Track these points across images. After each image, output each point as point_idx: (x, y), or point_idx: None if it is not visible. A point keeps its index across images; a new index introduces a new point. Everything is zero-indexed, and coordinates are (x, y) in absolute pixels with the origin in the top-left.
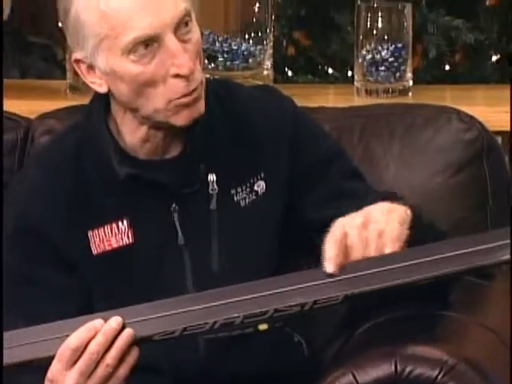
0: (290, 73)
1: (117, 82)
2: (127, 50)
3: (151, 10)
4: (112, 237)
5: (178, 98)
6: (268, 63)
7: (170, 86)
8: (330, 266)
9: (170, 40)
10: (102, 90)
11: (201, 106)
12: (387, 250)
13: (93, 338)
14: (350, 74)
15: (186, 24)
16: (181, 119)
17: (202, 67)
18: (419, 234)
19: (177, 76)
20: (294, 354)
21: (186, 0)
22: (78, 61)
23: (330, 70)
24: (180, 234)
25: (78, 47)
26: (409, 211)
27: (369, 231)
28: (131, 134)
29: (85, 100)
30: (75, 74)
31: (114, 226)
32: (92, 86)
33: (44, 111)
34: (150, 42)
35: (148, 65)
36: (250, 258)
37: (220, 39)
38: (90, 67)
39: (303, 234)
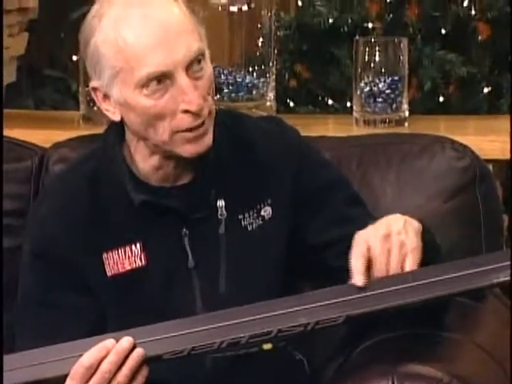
0: (291, 104)
1: (129, 112)
2: (140, 85)
3: (165, 48)
4: (125, 259)
5: (184, 132)
6: (271, 95)
7: (178, 119)
8: (359, 279)
9: (182, 78)
10: (116, 118)
11: (207, 140)
12: (408, 261)
13: (105, 357)
14: (348, 105)
15: (199, 62)
16: (187, 152)
17: (214, 99)
18: (428, 246)
19: (186, 112)
20: (295, 372)
21: (200, 40)
22: (94, 88)
23: (330, 101)
24: (190, 257)
25: (95, 76)
26: (420, 223)
27: (391, 243)
28: (144, 161)
29: (97, 130)
30: (88, 105)
31: (128, 249)
32: (106, 113)
33: (58, 140)
34: (162, 78)
35: (160, 99)
36: (256, 281)
37: (225, 72)
38: (106, 96)
39: (307, 258)
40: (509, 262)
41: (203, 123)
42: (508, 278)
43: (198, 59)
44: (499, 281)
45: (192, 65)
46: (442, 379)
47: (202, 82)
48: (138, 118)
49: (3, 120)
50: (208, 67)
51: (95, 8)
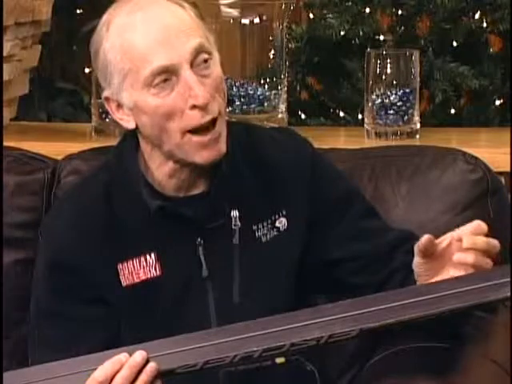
0: (303, 116)
1: (140, 115)
2: (147, 84)
3: (167, 44)
4: (140, 269)
5: (196, 134)
6: (282, 107)
7: (187, 117)
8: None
9: (187, 73)
10: (130, 125)
11: (221, 146)
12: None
13: (118, 371)
14: (360, 117)
15: (206, 61)
16: (202, 158)
17: (225, 102)
18: None
19: (193, 107)
20: (306, 383)
21: (203, 37)
22: (107, 99)
23: (342, 114)
24: (204, 266)
25: (106, 85)
26: None
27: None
28: (158, 169)
29: (109, 142)
30: (100, 117)
31: (143, 259)
32: (121, 122)
33: (70, 152)
34: (168, 76)
35: (167, 97)
36: (269, 292)
37: (237, 84)
38: (119, 105)
39: (322, 272)
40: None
41: (214, 125)
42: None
43: (202, 56)
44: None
45: (196, 60)
46: None
47: (209, 80)
48: (149, 120)
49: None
50: (216, 69)
51: (102, 19)
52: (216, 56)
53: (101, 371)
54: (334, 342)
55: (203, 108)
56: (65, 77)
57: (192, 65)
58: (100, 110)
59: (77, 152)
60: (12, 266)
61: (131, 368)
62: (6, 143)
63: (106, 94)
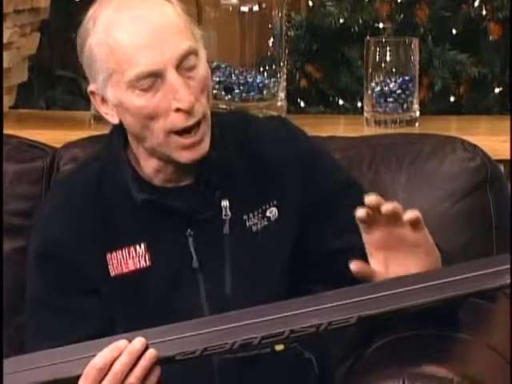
0: (302, 104)
1: (124, 114)
2: (132, 85)
3: (155, 48)
4: (130, 259)
5: (179, 135)
6: (282, 95)
7: (171, 119)
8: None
9: (172, 76)
10: (114, 120)
11: (204, 147)
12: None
13: (118, 357)
14: (359, 105)
15: (191, 61)
16: (183, 158)
17: (210, 103)
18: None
19: (178, 110)
20: (304, 371)
21: (193, 40)
22: (92, 93)
23: (341, 102)
24: (194, 257)
25: (92, 80)
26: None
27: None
28: (145, 163)
29: (107, 130)
30: None
31: (132, 249)
32: (106, 116)
33: (69, 140)
34: (153, 78)
35: (152, 98)
36: (262, 282)
37: (236, 72)
38: (103, 99)
39: (318, 263)
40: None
41: (198, 126)
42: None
43: (189, 58)
44: (506, 282)
45: (182, 63)
46: (453, 380)
47: (195, 82)
48: (133, 119)
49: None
50: (202, 68)
51: (90, 12)
52: (202, 54)
53: (100, 358)
54: (333, 329)
55: (188, 111)
56: (64, 64)
57: (178, 67)
58: None
59: (76, 140)
60: (10, 254)
61: (130, 354)
62: (4, 131)
63: (91, 87)
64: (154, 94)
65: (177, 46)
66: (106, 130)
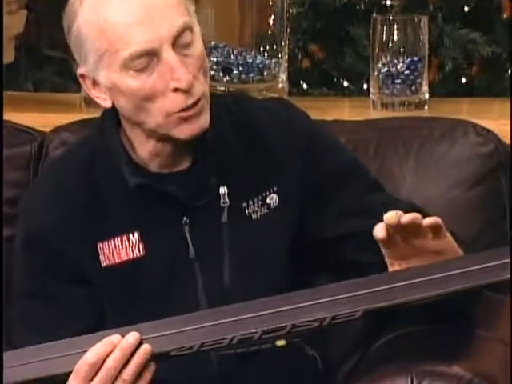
0: (304, 86)
1: (118, 96)
2: (126, 65)
3: (148, 25)
4: (122, 249)
5: (178, 112)
6: (283, 76)
7: (170, 99)
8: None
9: (168, 54)
10: (107, 104)
11: (204, 121)
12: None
13: (110, 353)
14: (365, 87)
15: (187, 38)
16: (182, 133)
17: (208, 81)
18: None
19: (176, 90)
20: (307, 369)
21: (186, 14)
22: (82, 75)
23: (346, 83)
24: (191, 247)
25: (81, 62)
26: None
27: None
28: (141, 147)
29: (99, 113)
30: None
31: (125, 238)
32: (97, 100)
33: (58, 124)
34: (148, 57)
35: (147, 79)
36: (262, 273)
37: (235, 52)
38: (95, 82)
39: (321, 251)
40: None
41: (197, 103)
42: None
43: (184, 35)
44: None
45: (178, 40)
46: (464, 377)
47: (192, 59)
48: (128, 101)
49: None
50: (198, 46)
51: None
52: (197, 30)
53: (92, 353)
54: (338, 323)
55: (187, 91)
56: (53, 44)
57: (174, 45)
58: None
59: (65, 124)
60: None
61: (124, 350)
62: None
63: (80, 70)
64: (150, 75)
65: (171, 22)
66: (97, 114)
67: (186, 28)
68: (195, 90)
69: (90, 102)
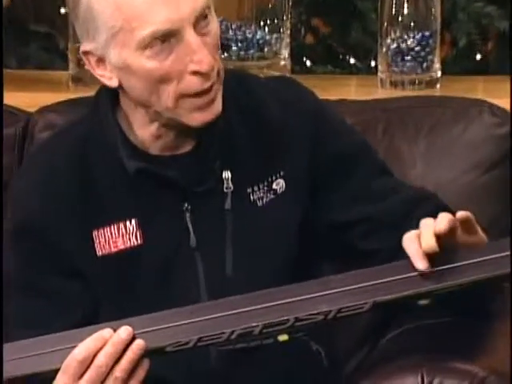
0: (308, 63)
1: (129, 77)
2: (143, 45)
3: (170, 3)
4: (119, 237)
5: (192, 97)
6: (285, 52)
7: (186, 82)
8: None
9: (190, 35)
10: (112, 83)
11: (217, 107)
12: None
13: (101, 348)
14: (373, 64)
15: (205, 16)
16: (195, 121)
17: (220, 57)
18: None
19: (195, 73)
20: (311, 365)
21: None
22: (87, 52)
23: (352, 60)
24: (192, 235)
25: (88, 38)
26: None
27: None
28: (142, 129)
29: (89, 92)
30: (78, 64)
31: (122, 225)
32: (101, 79)
33: (44, 104)
34: (167, 37)
35: (164, 61)
36: (267, 263)
37: (233, 27)
38: (101, 60)
39: (328, 238)
40: None
41: (211, 87)
42: None
43: (204, 14)
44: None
45: (199, 20)
46: (478, 374)
47: (210, 38)
48: (140, 82)
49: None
50: (214, 21)
51: None
52: (212, 6)
53: (81, 349)
54: (344, 316)
55: (205, 74)
56: (38, 18)
57: (195, 25)
58: (78, 56)
59: (52, 104)
60: None
61: (115, 345)
62: None
63: (86, 47)
64: (167, 56)
65: (194, 1)
66: (86, 93)
67: (207, 7)
68: (213, 72)
69: (78, 80)
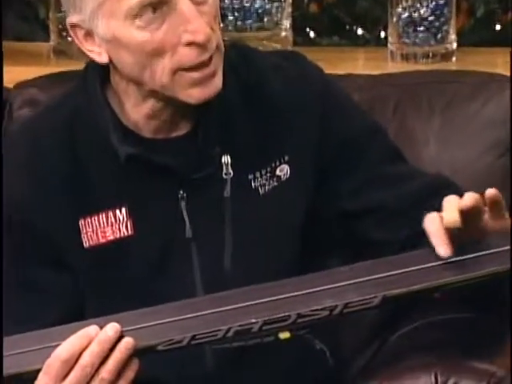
0: (311, 34)
1: (119, 50)
2: (132, 14)
3: None
4: (108, 227)
5: (189, 71)
6: (286, 23)
7: (181, 55)
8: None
9: (183, 3)
10: (102, 59)
11: (217, 82)
12: None
13: (86, 347)
14: (382, 35)
15: None
16: (193, 97)
17: (220, 28)
18: None
19: (190, 44)
20: (315, 364)
21: None
22: (73, 25)
23: (360, 31)
24: (188, 225)
25: (74, 10)
26: None
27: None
28: (135, 108)
29: (72, 65)
30: (60, 35)
31: (111, 214)
32: (90, 54)
33: (24, 79)
34: (158, 6)
35: (156, 31)
36: (269, 255)
37: None
38: (88, 33)
39: (336, 228)
40: None
41: (210, 59)
42: None
43: None
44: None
45: None
46: (496, 374)
47: (207, 7)
48: (131, 56)
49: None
50: None
51: None
52: None
53: (65, 348)
54: (351, 312)
55: (202, 45)
56: None
57: None
58: (60, 27)
59: (32, 78)
60: None
61: (102, 343)
62: None
63: (73, 19)
64: (160, 26)
65: None
66: (70, 66)
67: None
68: (211, 44)
69: (60, 53)
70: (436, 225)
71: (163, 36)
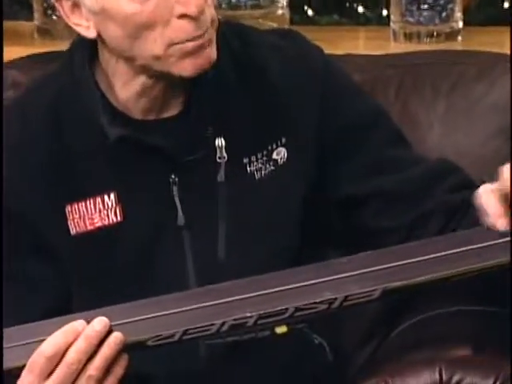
0: (309, 12)
1: (108, 23)
2: None
3: None
4: (95, 213)
5: (182, 43)
6: (283, 0)
7: (174, 28)
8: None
9: None
10: (90, 34)
11: (211, 53)
12: None
13: (72, 343)
14: (384, 13)
15: None
16: (186, 69)
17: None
18: None
19: (182, 16)
20: (314, 360)
21: None
22: None
23: (361, 9)
24: (180, 212)
25: None
26: None
27: None
28: (124, 86)
29: (56, 45)
30: (44, 13)
31: (99, 200)
32: (77, 29)
33: (6, 60)
34: None
35: (147, 2)
36: (265, 244)
37: None
38: (75, 5)
39: (335, 215)
40: None
41: (205, 32)
42: None
43: None
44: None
45: None
46: (504, 369)
47: None
48: (120, 30)
49: None
50: None
51: None
52: None
53: (50, 343)
54: (351, 305)
55: (195, 18)
56: None
57: None
58: (45, 5)
59: (14, 59)
60: None
61: (89, 339)
62: None
63: None
64: None
65: None
66: (53, 46)
67: None
68: (205, 16)
69: (44, 32)
70: (492, 200)
71: (154, 8)
